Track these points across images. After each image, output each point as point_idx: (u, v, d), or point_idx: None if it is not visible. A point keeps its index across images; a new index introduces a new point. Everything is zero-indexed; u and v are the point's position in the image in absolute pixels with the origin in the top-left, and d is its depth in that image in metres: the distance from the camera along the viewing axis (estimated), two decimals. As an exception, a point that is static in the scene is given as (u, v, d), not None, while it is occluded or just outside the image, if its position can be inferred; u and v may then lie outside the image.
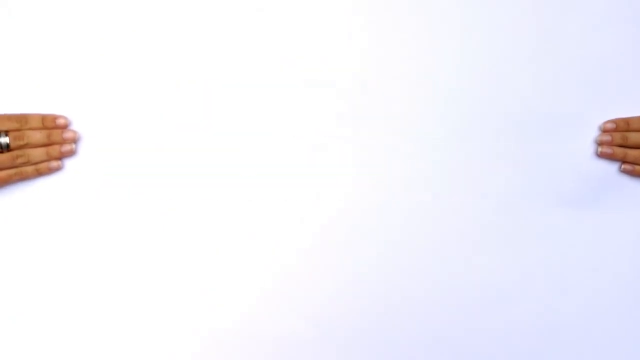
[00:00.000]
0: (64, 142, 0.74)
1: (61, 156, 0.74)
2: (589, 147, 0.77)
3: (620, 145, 0.77)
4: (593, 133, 0.77)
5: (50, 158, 0.74)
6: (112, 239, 0.76)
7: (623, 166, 0.77)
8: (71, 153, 0.74)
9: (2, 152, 0.72)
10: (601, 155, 0.77)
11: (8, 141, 0.71)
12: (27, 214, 0.75)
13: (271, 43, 0.75)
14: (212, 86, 0.75)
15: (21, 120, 0.73)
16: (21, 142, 0.72)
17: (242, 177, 0.76)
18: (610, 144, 0.76)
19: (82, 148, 0.75)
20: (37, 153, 0.73)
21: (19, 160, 0.72)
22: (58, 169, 0.74)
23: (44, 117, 0.74)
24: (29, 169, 0.74)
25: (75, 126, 0.75)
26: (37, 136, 0.73)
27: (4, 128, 0.71)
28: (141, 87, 0.75)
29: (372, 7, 0.75)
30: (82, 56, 0.75)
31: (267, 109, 0.76)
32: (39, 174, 0.74)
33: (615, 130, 0.76)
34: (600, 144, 0.77)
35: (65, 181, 0.75)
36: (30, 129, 0.73)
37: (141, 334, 0.76)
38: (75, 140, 0.74)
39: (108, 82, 0.75)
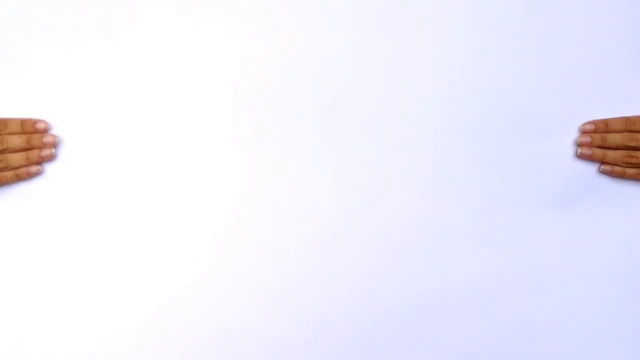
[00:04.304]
0: (43, 146, 0.73)
1: (41, 161, 0.73)
2: (569, 148, 0.78)
3: (600, 147, 0.77)
4: (573, 134, 0.78)
5: (29, 163, 0.73)
6: (93, 244, 0.75)
7: (602, 167, 0.78)
8: (51, 157, 0.73)
9: None
10: (580, 157, 0.77)
11: None
12: (6, 219, 0.74)
13: (256, 43, 0.75)
14: (196, 89, 0.75)
15: (-1, 125, 0.72)
16: (0, 147, 0.71)
17: (237, 179, 0.76)
18: (589, 145, 0.77)
19: (63, 152, 0.74)
20: (17, 158, 0.72)
21: (-2, 166, 0.72)
22: (38, 173, 0.74)
23: (23, 122, 0.73)
24: (8, 174, 0.73)
25: (55, 130, 0.74)
26: (16, 141, 0.72)
27: None
28: (122, 90, 0.75)
29: (360, 7, 0.75)
30: (62, 60, 0.74)
31: (258, 111, 0.75)
32: (19, 179, 0.73)
33: (595, 131, 0.77)
34: (579, 145, 0.77)
35: (45, 186, 0.74)
36: (9, 133, 0.72)
37: (136, 336, 0.76)
38: (55, 145, 0.73)
39: (88, 85, 0.74)
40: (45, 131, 0.73)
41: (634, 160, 0.76)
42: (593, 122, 0.77)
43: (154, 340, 0.75)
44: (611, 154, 0.77)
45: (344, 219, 0.76)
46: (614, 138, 0.76)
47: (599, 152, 0.77)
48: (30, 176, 0.73)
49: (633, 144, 0.76)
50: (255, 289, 0.76)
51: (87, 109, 0.74)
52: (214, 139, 0.75)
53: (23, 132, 0.72)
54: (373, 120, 0.76)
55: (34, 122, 0.73)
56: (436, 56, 0.76)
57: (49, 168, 0.74)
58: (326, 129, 0.76)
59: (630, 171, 0.77)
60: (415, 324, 0.78)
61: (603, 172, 0.78)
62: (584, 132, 0.77)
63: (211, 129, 0.75)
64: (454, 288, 0.78)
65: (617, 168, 0.77)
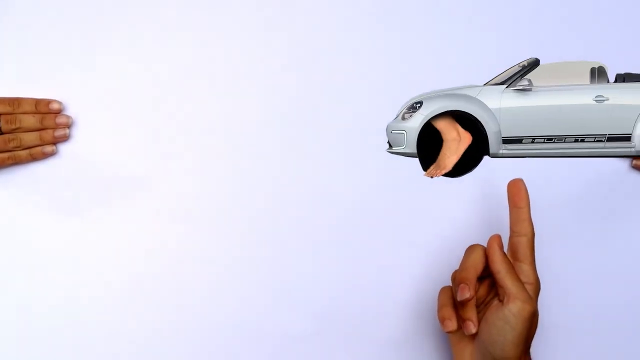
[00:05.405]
0: (57, 127, 0.73)
1: (54, 141, 0.73)
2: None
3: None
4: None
5: (43, 143, 0.73)
6: (104, 226, 0.75)
7: (634, 161, 0.75)
8: (64, 138, 0.74)
9: None
10: None
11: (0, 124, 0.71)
12: (21, 199, 0.75)
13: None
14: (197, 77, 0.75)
15: (14, 104, 0.72)
16: (13, 126, 0.72)
17: (239, 177, 0.75)
18: None
19: (76, 133, 0.75)
20: (30, 137, 0.73)
21: (11, 144, 0.72)
22: (52, 153, 0.74)
23: (37, 101, 0.73)
24: (23, 153, 0.73)
25: (69, 111, 0.74)
26: (30, 120, 0.72)
27: None
28: (136, 73, 0.75)
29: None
30: (77, 41, 0.74)
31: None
32: (33, 158, 0.74)
33: None
34: None
35: (59, 166, 0.74)
36: (23, 112, 0.72)
37: (143, 330, 0.75)
38: (68, 125, 0.74)
39: (102, 67, 0.75)
40: (59, 111, 0.74)
41: None
42: None
43: (162, 333, 0.75)
44: None
45: (348, 216, 0.75)
46: None
47: None
48: (45, 156, 0.74)
49: None
50: (262, 283, 0.75)
51: (101, 89, 0.74)
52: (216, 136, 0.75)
53: (37, 112, 0.73)
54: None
55: (48, 102, 0.73)
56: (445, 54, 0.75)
57: (62, 148, 0.75)
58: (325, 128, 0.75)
59: None
60: (419, 320, 0.76)
61: (635, 167, 0.76)
62: None
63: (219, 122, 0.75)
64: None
65: None
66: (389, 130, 0.70)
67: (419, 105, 0.69)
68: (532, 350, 0.63)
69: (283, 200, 0.75)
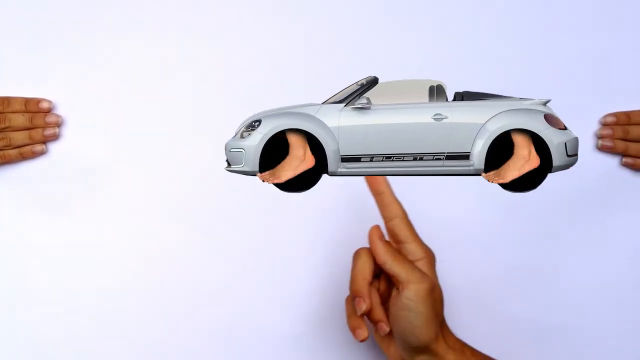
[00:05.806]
0: (46, 125, 0.72)
1: (44, 140, 0.73)
2: (590, 141, 0.76)
3: (621, 139, 0.75)
4: (594, 126, 0.76)
5: (32, 142, 0.73)
6: (94, 225, 0.75)
7: (624, 159, 0.75)
8: (54, 137, 0.74)
9: None
10: (602, 149, 0.75)
11: None
12: (10, 197, 0.74)
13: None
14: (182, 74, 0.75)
15: (3, 103, 0.72)
16: (2, 125, 0.72)
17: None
18: (611, 137, 0.75)
19: (66, 132, 0.74)
20: (20, 136, 0.73)
21: (1, 143, 0.72)
22: (42, 152, 0.74)
23: (26, 100, 0.73)
24: (13, 152, 0.73)
25: (59, 110, 0.74)
26: (20, 119, 0.72)
27: None
28: (127, 73, 0.75)
29: None
30: (67, 40, 0.75)
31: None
32: (23, 157, 0.74)
33: (616, 123, 0.75)
34: (601, 137, 0.75)
35: (49, 165, 0.74)
36: (13, 111, 0.72)
37: (137, 332, 0.76)
38: (58, 124, 0.73)
39: (93, 66, 0.75)
40: (48, 110, 0.73)
41: None
42: (614, 114, 0.75)
43: (155, 333, 0.76)
44: (633, 147, 0.76)
45: (348, 220, 0.76)
46: (636, 130, 0.75)
47: (620, 144, 0.75)
48: (34, 155, 0.74)
49: None
50: (256, 284, 0.76)
51: (91, 88, 0.75)
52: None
53: (26, 111, 0.72)
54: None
55: (38, 101, 0.73)
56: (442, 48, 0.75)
57: (52, 147, 0.75)
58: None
59: None
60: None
61: (625, 165, 0.76)
62: (605, 124, 0.76)
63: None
64: (457, 284, 0.75)
65: (639, 161, 0.75)
66: (228, 149, 0.71)
67: (257, 123, 0.69)
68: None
69: (278, 202, 0.75)
